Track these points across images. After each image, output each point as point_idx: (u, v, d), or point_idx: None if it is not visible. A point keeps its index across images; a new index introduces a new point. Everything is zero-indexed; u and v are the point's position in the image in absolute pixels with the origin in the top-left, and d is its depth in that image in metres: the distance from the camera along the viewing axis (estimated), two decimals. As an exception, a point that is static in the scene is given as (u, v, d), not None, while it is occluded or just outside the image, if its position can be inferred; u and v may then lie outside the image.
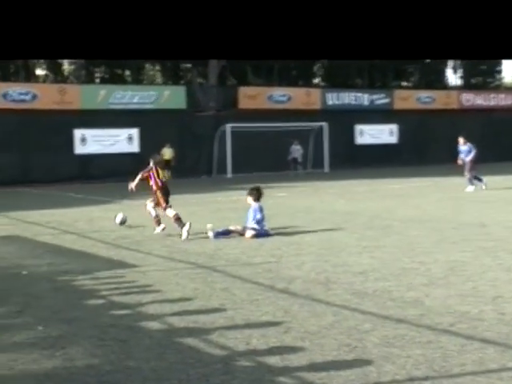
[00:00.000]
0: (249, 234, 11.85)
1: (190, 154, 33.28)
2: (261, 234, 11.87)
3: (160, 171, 12.74)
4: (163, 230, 12.52)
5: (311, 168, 35.56)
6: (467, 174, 21.02)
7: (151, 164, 12.83)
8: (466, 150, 21.55)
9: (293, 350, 5.44)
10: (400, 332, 5.85)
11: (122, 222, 13.69)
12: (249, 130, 32.81)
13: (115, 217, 13.82)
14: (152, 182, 12.64)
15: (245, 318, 6.45)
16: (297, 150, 33.47)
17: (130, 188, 12.84)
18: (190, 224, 12.03)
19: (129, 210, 17.31)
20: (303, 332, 5.92)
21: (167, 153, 31.77)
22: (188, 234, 11.91)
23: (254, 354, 5.34)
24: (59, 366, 5.18)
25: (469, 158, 21.20)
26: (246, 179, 27.66)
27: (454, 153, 22.88)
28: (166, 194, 12.71)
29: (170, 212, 12.53)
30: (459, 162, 21.76)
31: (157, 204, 12.69)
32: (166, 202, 12.66)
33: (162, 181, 12.68)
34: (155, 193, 12.69)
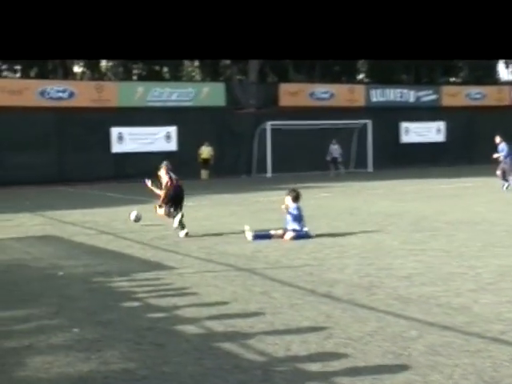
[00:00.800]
0: (288, 235, 11.83)
1: (229, 152, 33.37)
2: (301, 235, 11.84)
3: (172, 175, 13.10)
4: (186, 234, 12.61)
5: (354, 167, 35.34)
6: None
7: (163, 172, 13.11)
8: (503, 149, 22.26)
9: (334, 356, 5.40)
10: (447, 340, 5.76)
11: (137, 219, 13.95)
12: (289, 128, 32.77)
13: (129, 214, 14.13)
14: (166, 181, 12.96)
15: (285, 323, 6.43)
16: (335, 150, 33.31)
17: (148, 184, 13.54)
18: (182, 215, 12.64)
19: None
20: (345, 338, 5.88)
21: (205, 152, 31.97)
22: (179, 223, 12.56)
23: (294, 361, 5.32)
24: (94, 369, 5.23)
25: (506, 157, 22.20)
26: (286, 179, 27.63)
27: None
28: (176, 197, 12.99)
29: (160, 211, 12.99)
30: (495, 156, 22.54)
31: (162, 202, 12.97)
32: (166, 202, 12.93)
33: (177, 181, 13.09)
34: (165, 189, 12.97)
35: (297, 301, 7.31)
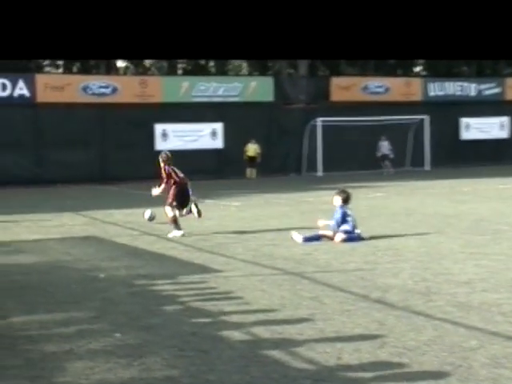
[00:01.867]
0: (339, 237, 11.76)
1: (278, 150, 33.36)
2: (352, 237, 11.75)
3: (176, 169, 13.33)
4: (182, 235, 12.85)
5: (410, 166, 34.96)
6: None
7: (163, 164, 13.35)
8: None
9: (388, 366, 5.33)
10: (511, 351, 5.63)
11: (151, 219, 14.23)
12: (341, 124, 32.58)
13: (143, 213, 14.41)
14: (172, 178, 13.16)
15: (336, 330, 6.39)
16: (385, 146, 33.00)
17: (153, 194, 13.68)
18: (183, 235, 12.78)
19: (212, 211, 17.52)
20: (400, 347, 5.80)
21: (251, 149, 31.99)
22: (176, 236, 12.71)
23: (346, 370, 5.27)
24: (136, 376, 5.27)
25: None
26: (337, 178, 27.49)
27: None
28: (180, 194, 13.14)
29: (169, 211, 13.03)
30: None
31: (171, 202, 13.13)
32: (175, 200, 13.07)
33: (180, 178, 13.24)
34: (171, 187, 13.17)
35: (348, 307, 7.26)
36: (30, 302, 7.79)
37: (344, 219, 11.95)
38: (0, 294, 8.31)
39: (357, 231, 11.94)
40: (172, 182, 13.20)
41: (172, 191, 13.17)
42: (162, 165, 13.44)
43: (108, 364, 5.55)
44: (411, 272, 9.06)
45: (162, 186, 13.43)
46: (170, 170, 13.26)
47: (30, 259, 10.83)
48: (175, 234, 12.89)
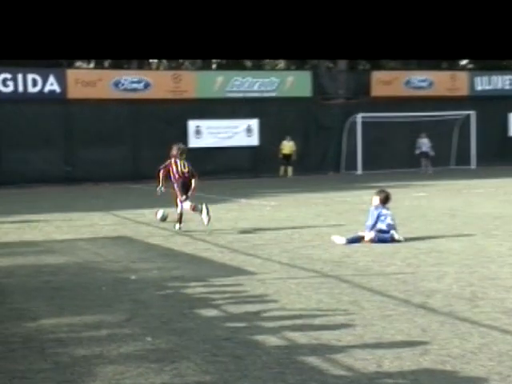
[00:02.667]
0: (368, 236, 11.81)
1: (316, 147, 33.30)
2: (383, 238, 11.70)
3: (179, 163, 14.05)
4: (179, 229, 13.79)
5: (455, 164, 34.62)
6: None
7: (174, 153, 14.17)
8: None
9: (431, 375, 5.28)
10: (562, 360, 5.54)
11: (163, 219, 14.74)
12: (383, 120, 32.40)
13: (156, 213, 14.96)
14: (171, 175, 14.00)
15: (376, 337, 6.35)
16: (424, 144, 32.72)
17: (158, 192, 14.26)
18: (207, 207, 13.77)
19: (247, 211, 17.57)
20: (444, 355, 5.74)
21: (287, 147, 31.98)
22: (209, 218, 13.67)
23: (386, 378, 5.23)
24: (168, 381, 5.30)
25: None
26: (378, 177, 27.34)
27: None
28: (183, 186, 13.90)
29: (187, 205, 13.82)
30: None
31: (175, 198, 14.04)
32: (183, 194, 13.85)
33: (179, 173, 13.95)
34: (173, 185, 14.03)
35: (389, 312, 7.21)
36: (60, 304, 7.88)
37: (378, 219, 11.90)
38: (30, 295, 8.42)
39: (392, 232, 11.85)
40: (172, 176, 14.09)
41: (175, 186, 14.05)
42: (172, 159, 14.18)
43: (139, 369, 5.59)
44: (456, 276, 8.97)
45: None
46: (173, 165, 14.10)
47: (60, 260, 10.96)
48: (204, 219, 13.78)
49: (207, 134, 32.02)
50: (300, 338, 6.34)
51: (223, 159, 31.64)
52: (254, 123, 32.73)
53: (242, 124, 32.62)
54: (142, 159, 30.76)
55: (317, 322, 6.91)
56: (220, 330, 6.69)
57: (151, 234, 13.62)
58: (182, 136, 31.35)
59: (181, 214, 13.94)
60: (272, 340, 6.30)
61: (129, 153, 30.89)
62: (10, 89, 28.90)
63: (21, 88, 29.06)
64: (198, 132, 31.89)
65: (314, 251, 11.18)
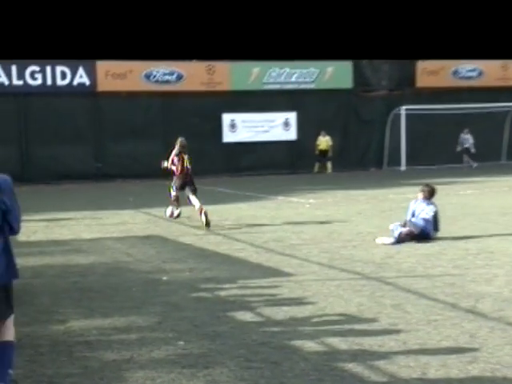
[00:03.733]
0: (405, 231, 11.85)
1: (357, 142, 33.13)
2: (423, 234, 11.79)
3: (186, 158, 15.46)
4: (171, 215, 15.33)
5: (506, 159, 34.19)
6: None
7: (177, 149, 15.62)
8: None
9: (480, 384, 5.23)
10: None
11: (171, 216, 15.41)
12: (428, 112, 32.12)
13: (165, 211, 15.63)
14: (176, 167, 15.36)
15: (420, 343, 6.30)
16: (467, 139, 32.37)
17: (163, 166, 15.85)
18: (179, 213, 15.34)
19: (284, 209, 17.56)
20: (494, 363, 5.67)
21: (323, 142, 31.81)
22: (171, 216, 15.29)
23: (432, 388, 5.19)
24: (201, 388, 5.31)
25: None
26: (423, 173, 27.13)
27: None
28: (184, 180, 15.20)
29: (173, 193, 15.30)
30: None
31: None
32: (180, 188, 15.21)
33: (183, 168, 15.31)
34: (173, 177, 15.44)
35: (435, 316, 7.15)
36: (89, 306, 7.95)
37: (417, 213, 12.00)
38: (58, 296, 8.51)
39: (429, 227, 11.83)
40: (178, 168, 15.41)
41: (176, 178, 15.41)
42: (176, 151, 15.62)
43: (171, 374, 5.61)
44: (507, 279, 8.86)
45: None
46: (178, 164, 15.40)
47: (89, 259, 11.06)
48: (167, 211, 15.41)
49: (242, 128, 32.05)
50: (340, 343, 6.32)
51: (259, 154, 31.65)
52: (292, 116, 32.68)
53: (278, 117, 32.58)
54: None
55: (357, 326, 6.88)
56: (255, 334, 6.69)
57: (183, 233, 13.68)
58: (216, 130, 31.50)
59: (176, 198, 15.36)
60: (310, 345, 6.29)
61: (160, 148, 30.90)
62: (39, 82, 29.21)
63: (49, 81, 29.36)
64: (232, 126, 31.95)
65: (354, 251, 11.14)
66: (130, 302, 8.14)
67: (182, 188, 15.18)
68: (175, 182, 15.30)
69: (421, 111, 31.97)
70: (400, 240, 11.71)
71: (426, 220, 11.93)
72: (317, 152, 31.85)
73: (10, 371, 5.15)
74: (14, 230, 5.13)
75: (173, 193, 15.30)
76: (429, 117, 32.20)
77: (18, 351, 5.55)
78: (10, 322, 5.26)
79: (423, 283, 8.72)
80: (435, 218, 12.03)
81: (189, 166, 15.35)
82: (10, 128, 28.39)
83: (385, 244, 11.66)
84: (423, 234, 11.85)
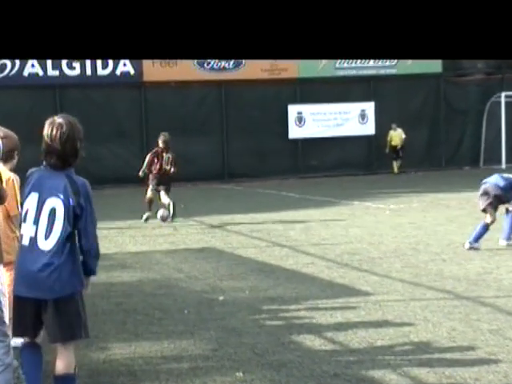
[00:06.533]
0: (502, 241, 11.99)
1: (447, 136, 32.84)
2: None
3: (164, 157, 17.19)
4: (147, 218, 17.04)
5: None
6: None
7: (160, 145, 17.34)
8: None
9: None
10: None
11: (163, 219, 16.72)
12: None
13: (156, 212, 16.89)
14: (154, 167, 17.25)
15: (524, 375, 6.19)
16: None
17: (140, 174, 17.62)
18: (148, 216, 17.03)
19: (361, 216, 17.47)
20: None
21: (395, 137, 31.43)
22: (146, 219, 16.99)
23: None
24: (263, 427, 5.32)
25: None
26: (528, 171, 26.66)
27: None
28: (158, 179, 17.12)
29: (149, 192, 17.23)
30: None
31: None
32: (155, 188, 17.17)
33: (161, 168, 17.13)
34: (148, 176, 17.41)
35: (542, 344, 7.02)
36: (134, 331, 8.02)
37: None
38: (98, 319, 8.60)
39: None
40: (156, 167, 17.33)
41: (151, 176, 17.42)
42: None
43: (227, 411, 5.62)
44: None
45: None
46: (151, 163, 17.46)
47: (135, 276, 11.17)
48: (144, 217, 17.10)
49: (311, 121, 32.03)
50: (428, 375, 6.25)
51: (331, 152, 31.57)
52: (370, 107, 32.52)
53: (354, 109, 32.47)
54: (233, 153, 31.02)
55: (449, 355, 6.80)
56: (327, 364, 6.66)
57: (243, 245, 13.72)
58: (281, 124, 31.51)
59: (150, 200, 17.23)
60: (392, 377, 6.24)
61: (216, 146, 31.16)
62: (77, 72, 29.66)
63: (89, 71, 29.79)
64: (299, 119, 31.95)
65: (445, 266, 11.03)
66: (181, 325, 8.19)
67: (157, 189, 17.14)
68: (151, 182, 17.16)
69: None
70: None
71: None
72: (387, 150, 31.51)
73: None
74: (83, 240, 5.24)
75: (148, 194, 17.17)
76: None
77: (49, 383, 5.62)
78: (67, 349, 5.30)
79: (527, 304, 8.60)
80: None
81: (167, 167, 16.91)
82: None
83: (474, 248, 11.75)
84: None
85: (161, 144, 17.40)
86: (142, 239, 14.97)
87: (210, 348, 7.30)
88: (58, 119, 5.24)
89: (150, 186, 17.23)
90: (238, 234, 15.22)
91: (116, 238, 15.24)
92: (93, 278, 10.20)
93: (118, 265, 12.13)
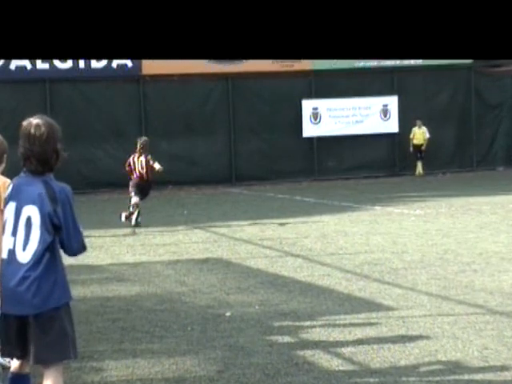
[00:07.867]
0: None
1: (479, 133, 32.75)
2: None
3: (137, 161, 18.03)
4: (125, 218, 17.76)
5: None
6: None
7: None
8: None
9: None
10: None
11: (126, 218, 17.85)
12: None
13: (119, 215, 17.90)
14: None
15: None
16: None
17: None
18: (125, 216, 17.73)
19: (383, 221, 17.45)
20: None
21: (418, 135, 31.31)
22: (125, 219, 17.73)
23: None
24: None
25: None
26: None
27: None
28: (138, 187, 17.90)
29: (135, 199, 17.88)
30: None
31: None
32: (135, 193, 17.88)
33: (136, 173, 17.99)
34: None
35: None
36: (132, 350, 8.02)
37: None
38: (94, 338, 8.61)
39: None
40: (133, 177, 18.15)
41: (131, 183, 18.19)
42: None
43: None
44: None
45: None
46: (131, 167, 18.28)
47: (133, 290, 11.17)
48: (122, 216, 17.80)
49: (328, 118, 31.99)
50: (456, 398, 6.25)
51: (349, 152, 31.54)
52: (392, 102, 32.46)
53: (375, 104, 32.43)
54: (241, 154, 30.95)
55: (480, 376, 6.79)
56: (345, 386, 6.66)
57: (252, 255, 13.72)
58: (294, 121, 31.46)
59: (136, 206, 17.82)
60: (417, 401, 6.23)
61: (222, 146, 31.12)
62: (68, 65, 29.64)
63: (82, 64, 29.73)
64: (315, 116, 31.91)
65: (476, 278, 11.00)
66: (183, 344, 8.19)
67: (140, 194, 17.92)
68: (132, 188, 17.96)
69: None
70: None
71: None
72: (411, 149, 31.41)
73: None
74: (67, 251, 5.24)
75: (133, 200, 17.87)
76: None
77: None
78: (54, 372, 5.21)
79: None
80: None
81: (142, 172, 17.65)
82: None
83: None
84: None
85: (138, 149, 18.22)
86: (141, 249, 14.98)
87: (216, 369, 7.30)
88: (35, 120, 5.21)
89: (132, 194, 17.98)
90: (247, 242, 15.22)
91: (112, 247, 15.25)
92: (86, 292, 10.22)
93: (114, 277, 12.13)
